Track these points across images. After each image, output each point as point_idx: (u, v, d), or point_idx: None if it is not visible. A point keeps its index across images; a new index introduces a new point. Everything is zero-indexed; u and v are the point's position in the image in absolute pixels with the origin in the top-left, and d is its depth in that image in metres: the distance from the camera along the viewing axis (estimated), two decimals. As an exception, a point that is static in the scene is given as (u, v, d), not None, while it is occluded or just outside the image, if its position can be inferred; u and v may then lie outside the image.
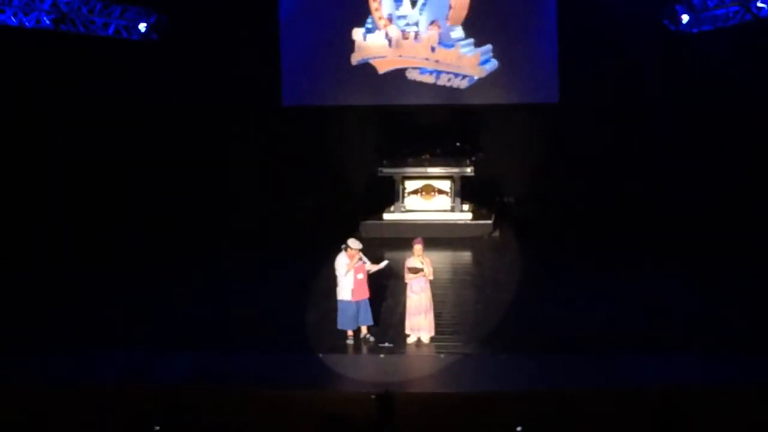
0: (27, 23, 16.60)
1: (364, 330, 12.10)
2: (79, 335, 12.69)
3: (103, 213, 18.11)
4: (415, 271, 11.89)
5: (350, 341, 12.02)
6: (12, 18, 16.37)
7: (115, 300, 14.40)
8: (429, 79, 20.83)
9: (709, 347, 11.57)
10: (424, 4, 20.44)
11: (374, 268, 12.11)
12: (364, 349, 11.95)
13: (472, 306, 13.95)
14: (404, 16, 20.51)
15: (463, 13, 20.41)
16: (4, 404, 10.33)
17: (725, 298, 13.63)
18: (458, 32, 20.51)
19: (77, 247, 16.92)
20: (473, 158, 19.27)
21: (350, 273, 11.83)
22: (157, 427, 9.11)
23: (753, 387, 10.25)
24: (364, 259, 11.97)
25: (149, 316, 13.51)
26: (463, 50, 20.47)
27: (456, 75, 20.63)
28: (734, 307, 13.17)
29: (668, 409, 9.63)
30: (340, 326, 12.04)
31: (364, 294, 11.93)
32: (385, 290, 12.93)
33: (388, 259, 12.44)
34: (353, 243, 11.89)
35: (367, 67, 20.61)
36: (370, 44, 20.72)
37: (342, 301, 11.95)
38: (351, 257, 11.82)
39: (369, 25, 20.58)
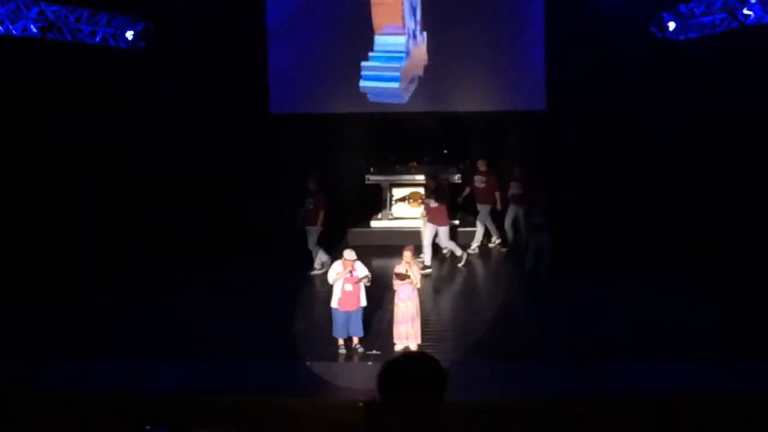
0: (14, 31, 16.54)
1: (355, 340, 12.15)
2: (75, 343, 12.65)
3: (96, 221, 17.99)
4: (402, 277, 11.89)
5: (342, 351, 12.07)
6: (-2, 26, 16.32)
7: (110, 309, 14.34)
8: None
9: (707, 355, 11.59)
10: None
11: (362, 279, 12.03)
12: (353, 357, 11.96)
13: (459, 313, 13.95)
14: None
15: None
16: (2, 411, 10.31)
17: (722, 306, 13.57)
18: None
19: (74, 254, 16.79)
20: (461, 165, 19.28)
21: (339, 283, 11.88)
22: (148, 427, 9.09)
23: (750, 393, 10.29)
24: (359, 271, 11.97)
25: (142, 325, 13.45)
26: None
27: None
28: (731, 314, 13.16)
29: (662, 417, 9.63)
30: (333, 333, 12.12)
31: (353, 305, 11.97)
32: (373, 298, 12.89)
33: (375, 267, 12.46)
34: (347, 254, 11.96)
35: (353, 74, 20.49)
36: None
37: (332, 308, 12.05)
38: (344, 267, 11.87)
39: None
